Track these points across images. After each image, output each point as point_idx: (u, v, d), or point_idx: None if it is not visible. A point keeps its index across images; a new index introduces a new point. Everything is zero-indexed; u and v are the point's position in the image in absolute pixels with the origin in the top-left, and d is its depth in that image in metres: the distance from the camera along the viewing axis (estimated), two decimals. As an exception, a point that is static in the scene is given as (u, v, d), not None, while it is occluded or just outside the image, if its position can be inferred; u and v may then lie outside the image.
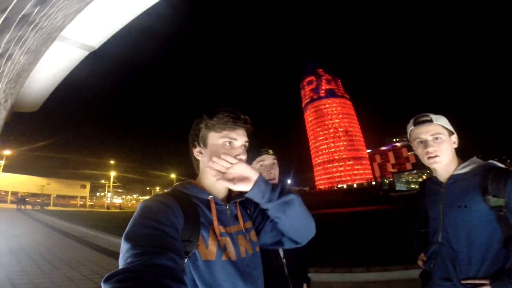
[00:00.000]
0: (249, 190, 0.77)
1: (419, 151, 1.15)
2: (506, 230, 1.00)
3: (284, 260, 1.32)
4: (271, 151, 1.37)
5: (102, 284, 0.50)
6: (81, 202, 47.74)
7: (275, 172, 1.35)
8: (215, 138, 0.82)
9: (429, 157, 1.11)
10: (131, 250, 0.55)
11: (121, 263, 0.55)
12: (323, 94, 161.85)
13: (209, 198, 0.81)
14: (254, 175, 0.78)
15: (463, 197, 1.07)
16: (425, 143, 1.12)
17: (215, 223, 0.77)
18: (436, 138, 1.10)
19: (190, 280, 0.69)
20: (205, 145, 0.83)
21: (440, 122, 1.12)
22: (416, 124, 1.15)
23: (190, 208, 0.74)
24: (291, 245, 0.89)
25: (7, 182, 35.84)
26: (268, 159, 1.35)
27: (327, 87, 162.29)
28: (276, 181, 1.37)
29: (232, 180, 0.76)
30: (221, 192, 0.86)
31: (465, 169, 1.12)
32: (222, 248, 0.75)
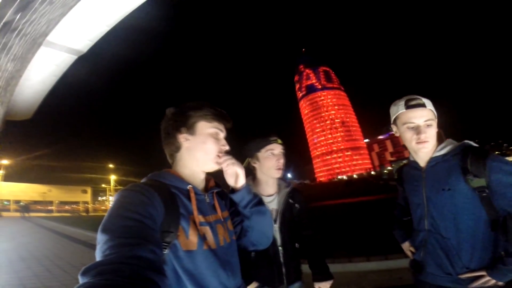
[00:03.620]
0: (237, 190, 0.91)
1: (408, 135, 1.10)
2: (491, 212, 0.97)
3: (280, 248, 1.34)
4: (279, 141, 1.38)
5: (79, 277, 0.47)
6: (84, 207, 47.88)
7: (283, 162, 1.36)
8: (205, 127, 0.85)
9: (419, 143, 1.06)
10: (109, 241, 0.53)
11: (98, 256, 0.52)
12: (304, 91, 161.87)
13: (188, 187, 0.81)
14: (243, 180, 0.90)
15: (446, 179, 1.04)
16: (416, 129, 1.07)
17: (195, 212, 0.77)
18: (428, 125, 1.06)
19: (171, 270, 0.69)
20: (193, 132, 0.84)
21: (431, 107, 1.08)
22: (408, 107, 1.08)
23: (169, 198, 0.73)
24: (248, 247, 0.97)
25: (9, 191, 35.92)
26: (277, 148, 1.36)
27: (308, 83, 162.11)
28: (282, 164, 1.37)
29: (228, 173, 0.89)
30: (200, 182, 0.88)
31: (443, 150, 1.08)
32: (203, 238, 0.75)
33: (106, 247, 0.52)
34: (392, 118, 1.17)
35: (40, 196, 40.61)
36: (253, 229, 0.93)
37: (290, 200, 1.41)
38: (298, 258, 1.42)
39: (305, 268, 1.46)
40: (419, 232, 1.16)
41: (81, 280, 0.46)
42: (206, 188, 0.90)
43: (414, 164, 1.19)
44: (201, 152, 0.84)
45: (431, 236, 1.09)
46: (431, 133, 1.07)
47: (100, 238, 0.55)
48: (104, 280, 0.45)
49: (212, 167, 0.87)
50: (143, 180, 0.79)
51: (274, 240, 1.33)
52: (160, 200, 0.69)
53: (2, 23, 1.10)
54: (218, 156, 0.86)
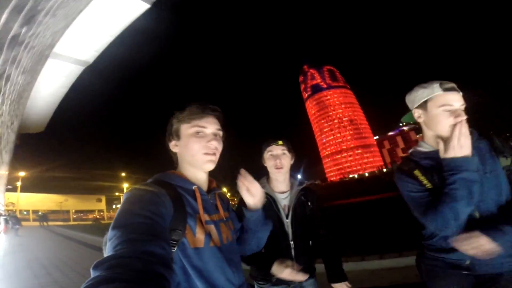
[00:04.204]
0: (253, 211, 0.94)
1: (444, 119, 1.01)
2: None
3: (291, 242, 1.37)
4: (280, 142, 1.46)
5: (91, 271, 0.47)
6: (99, 215, 49.04)
7: (282, 162, 1.42)
8: (186, 128, 0.85)
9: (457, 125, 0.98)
10: (120, 237, 0.54)
11: (109, 251, 0.53)
12: (310, 91, 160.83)
13: (193, 188, 0.83)
14: (260, 202, 0.94)
15: (485, 163, 1.01)
16: (454, 112, 0.99)
17: (201, 211, 0.79)
18: (463, 110, 1.01)
19: (180, 268, 0.71)
20: (178, 137, 0.87)
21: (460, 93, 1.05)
22: (446, 89, 1.02)
23: (177, 197, 0.75)
24: (243, 253, 1.02)
25: (27, 202, 37.20)
26: (276, 149, 1.44)
27: (313, 83, 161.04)
28: (285, 169, 1.43)
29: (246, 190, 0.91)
30: (203, 183, 0.89)
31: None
32: (209, 235, 0.77)
33: (118, 242, 0.53)
34: (420, 101, 1.08)
35: (57, 206, 41.94)
36: (252, 241, 0.98)
37: (303, 198, 1.46)
38: (310, 255, 1.44)
39: (320, 267, 1.45)
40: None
41: (93, 273, 0.47)
42: (209, 189, 0.91)
43: (434, 154, 1.06)
44: (187, 154, 0.85)
45: (480, 226, 0.96)
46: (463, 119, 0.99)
47: (112, 234, 0.56)
48: (115, 273, 0.45)
49: (207, 166, 0.85)
50: (150, 180, 0.80)
51: (286, 235, 1.37)
52: (169, 199, 0.71)
53: (10, 37, 1.17)
54: (206, 154, 0.84)
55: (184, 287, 0.70)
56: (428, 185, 1.05)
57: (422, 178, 1.06)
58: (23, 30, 1.21)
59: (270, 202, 1.41)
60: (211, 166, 0.85)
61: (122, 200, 0.68)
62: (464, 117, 0.98)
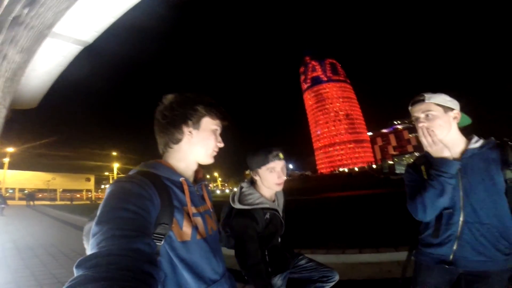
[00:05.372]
0: None
1: (416, 128, 1.20)
2: (511, 199, 1.08)
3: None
4: (281, 155, 1.37)
5: (74, 269, 0.46)
6: (87, 195, 48.25)
7: (284, 176, 1.39)
8: (209, 123, 0.89)
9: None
10: (105, 233, 0.52)
11: (93, 247, 0.51)
12: (309, 83, 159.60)
13: (181, 180, 0.82)
14: None
15: (486, 170, 1.09)
16: (418, 120, 1.18)
17: (189, 204, 0.80)
18: (427, 116, 1.15)
19: (167, 261, 0.72)
20: (198, 127, 0.86)
21: (433, 100, 1.15)
22: (411, 104, 1.22)
23: (164, 191, 0.73)
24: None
25: (14, 179, 36.02)
26: (278, 165, 1.36)
27: (313, 75, 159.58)
28: (283, 179, 1.39)
29: None
30: (191, 174, 0.91)
31: (478, 143, 1.15)
32: (195, 228, 0.78)
33: (102, 238, 0.51)
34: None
35: (44, 184, 40.88)
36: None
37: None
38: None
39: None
40: (449, 225, 1.15)
41: (76, 272, 0.45)
42: (195, 179, 0.93)
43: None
44: (202, 147, 0.87)
45: (469, 227, 1.11)
46: (433, 123, 1.14)
47: (96, 230, 0.54)
48: (100, 272, 0.44)
49: (208, 161, 0.91)
50: (135, 170, 0.78)
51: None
52: (156, 193, 0.69)
53: (11, 18, 1.14)
54: (214, 151, 0.91)
55: (172, 279, 0.72)
56: (426, 177, 1.20)
57: (424, 172, 1.21)
58: (26, 11, 1.17)
59: (275, 214, 1.39)
60: (212, 161, 0.92)
61: (106, 193, 0.65)
62: (423, 123, 1.15)
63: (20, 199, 31.98)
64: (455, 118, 1.16)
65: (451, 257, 1.16)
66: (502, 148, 1.10)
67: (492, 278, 1.10)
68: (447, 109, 1.16)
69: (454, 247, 1.15)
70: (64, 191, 46.31)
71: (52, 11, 1.58)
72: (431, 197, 1.11)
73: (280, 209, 1.49)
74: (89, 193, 49.24)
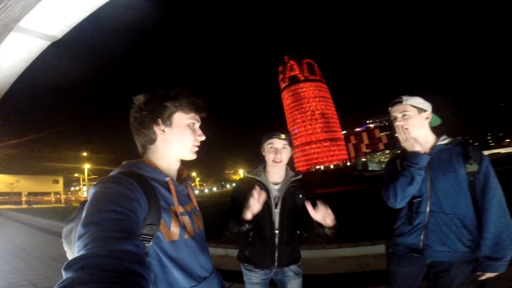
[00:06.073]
0: None
1: (394, 126, 1.36)
2: (472, 192, 1.20)
3: (277, 231, 1.44)
4: (283, 136, 1.44)
5: (62, 272, 0.45)
6: (56, 198, 44.94)
7: (282, 156, 1.44)
8: (183, 118, 0.85)
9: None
10: (92, 235, 0.51)
11: (80, 249, 0.50)
12: (287, 82, 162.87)
13: (167, 180, 0.81)
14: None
15: (450, 163, 1.23)
16: (396, 119, 1.34)
17: (176, 203, 0.79)
18: (404, 115, 1.31)
19: (156, 261, 0.72)
20: (170, 123, 0.84)
21: (409, 102, 1.31)
22: (391, 105, 1.37)
23: (150, 191, 0.72)
24: None
25: None
26: (277, 143, 1.45)
27: (291, 74, 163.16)
28: (283, 163, 1.46)
29: None
30: (175, 172, 0.90)
31: (445, 141, 1.30)
32: (183, 227, 0.79)
33: (89, 240, 0.50)
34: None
35: (7, 187, 37.71)
36: None
37: (293, 189, 1.48)
38: (295, 245, 1.51)
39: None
40: (417, 214, 1.28)
41: (65, 274, 0.44)
42: (180, 178, 0.92)
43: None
44: (178, 144, 0.85)
45: (434, 216, 1.24)
46: (408, 122, 1.30)
47: (82, 232, 0.53)
48: (88, 274, 0.43)
49: (190, 157, 0.89)
50: (118, 170, 0.75)
51: (272, 224, 1.43)
52: (143, 194, 0.68)
53: (-25, 12, 1.04)
54: (195, 146, 0.88)
55: (162, 279, 0.72)
56: (399, 169, 1.35)
57: (398, 164, 1.37)
58: (-8, 4, 1.07)
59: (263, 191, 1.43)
60: (194, 157, 0.90)
61: (90, 194, 0.63)
62: (399, 122, 1.32)
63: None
64: (427, 118, 1.33)
65: (420, 245, 1.27)
66: (465, 145, 1.24)
67: (455, 269, 1.22)
68: (420, 110, 1.32)
69: (422, 236, 1.27)
70: (30, 194, 42.70)
71: (20, 4, 1.45)
72: (401, 185, 1.25)
73: (277, 193, 1.47)
74: (58, 195, 45.78)
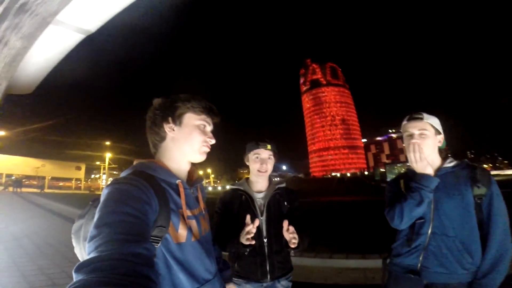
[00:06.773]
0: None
1: (406, 143, 1.29)
2: (479, 214, 1.16)
3: (265, 240, 1.42)
4: (269, 146, 1.46)
5: (73, 274, 0.45)
6: (76, 185, 46.86)
7: (267, 166, 1.46)
8: (192, 119, 0.88)
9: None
10: (105, 237, 0.52)
11: (91, 251, 0.51)
12: (308, 85, 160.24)
13: (177, 182, 0.82)
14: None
15: (456, 186, 1.20)
16: (411, 136, 1.27)
17: (184, 207, 0.81)
18: (421, 134, 1.25)
19: (163, 262, 0.73)
20: (179, 123, 0.86)
21: (429, 121, 1.26)
22: (409, 119, 1.30)
23: (161, 193, 0.74)
24: None
25: (2, 164, 34.57)
26: (263, 153, 1.47)
27: (313, 78, 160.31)
28: (268, 173, 1.48)
29: None
30: (185, 174, 0.91)
31: (452, 163, 1.27)
32: (190, 230, 0.80)
33: (101, 242, 0.51)
34: (401, 130, 1.37)
35: (33, 171, 39.58)
36: None
37: (278, 197, 1.48)
38: (285, 255, 1.47)
39: (296, 261, 1.54)
40: (419, 235, 1.24)
41: (76, 277, 0.44)
42: (190, 180, 0.94)
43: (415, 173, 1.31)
44: (186, 143, 0.86)
45: (435, 238, 1.20)
46: (424, 141, 1.24)
47: (95, 233, 0.54)
48: (99, 277, 0.43)
49: (199, 158, 0.90)
50: (130, 170, 0.78)
51: (260, 232, 1.41)
52: (154, 196, 0.70)
53: (18, 6, 1.13)
54: (203, 147, 0.89)
55: (167, 280, 0.73)
56: (403, 190, 1.31)
57: (403, 185, 1.33)
58: (33, -1, 1.16)
59: (247, 200, 1.45)
60: (204, 158, 0.90)
61: (103, 195, 0.65)
62: (416, 140, 1.24)
63: (6, 185, 30.10)
64: (439, 141, 1.28)
65: (418, 267, 1.23)
66: (472, 169, 1.21)
67: None
68: (437, 132, 1.27)
69: (421, 258, 1.23)
70: (53, 179, 45.07)
71: None
72: (409, 206, 1.21)
73: (262, 201, 1.47)
74: (79, 182, 47.96)
